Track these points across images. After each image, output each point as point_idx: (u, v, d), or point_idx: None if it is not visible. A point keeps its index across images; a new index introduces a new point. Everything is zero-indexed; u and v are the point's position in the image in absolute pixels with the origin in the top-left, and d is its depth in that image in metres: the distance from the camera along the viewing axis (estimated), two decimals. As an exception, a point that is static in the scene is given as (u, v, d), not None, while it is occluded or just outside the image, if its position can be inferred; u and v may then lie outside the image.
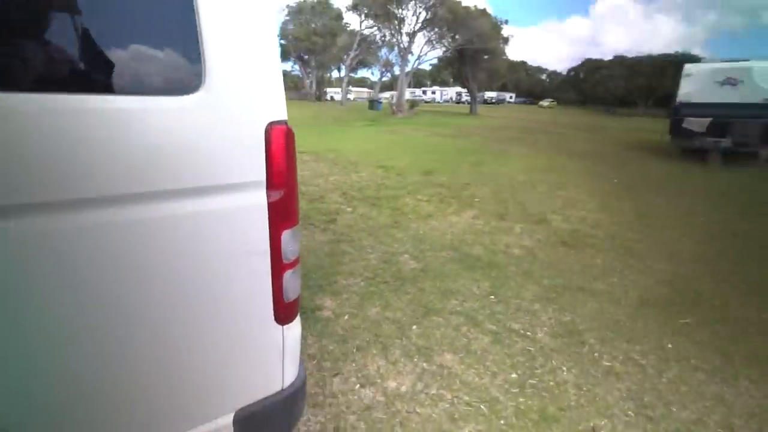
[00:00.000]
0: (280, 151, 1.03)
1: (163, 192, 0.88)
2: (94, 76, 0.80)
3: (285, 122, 1.05)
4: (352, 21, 51.36)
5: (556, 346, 2.53)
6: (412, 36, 29.62)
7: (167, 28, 0.85)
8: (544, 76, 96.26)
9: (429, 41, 30.82)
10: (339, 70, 55.20)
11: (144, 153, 0.84)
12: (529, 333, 2.65)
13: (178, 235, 0.92)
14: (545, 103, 65.28)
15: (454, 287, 3.24)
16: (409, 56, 30.86)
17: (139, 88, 0.85)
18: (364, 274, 3.40)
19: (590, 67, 68.00)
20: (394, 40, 31.40)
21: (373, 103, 33.57)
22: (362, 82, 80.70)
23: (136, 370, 0.93)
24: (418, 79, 74.79)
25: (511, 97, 75.35)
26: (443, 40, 31.20)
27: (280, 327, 1.16)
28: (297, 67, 52.56)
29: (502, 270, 3.62)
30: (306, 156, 9.32)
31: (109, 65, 0.79)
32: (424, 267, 3.60)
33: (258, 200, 1.03)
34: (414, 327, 2.65)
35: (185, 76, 0.87)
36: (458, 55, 31.69)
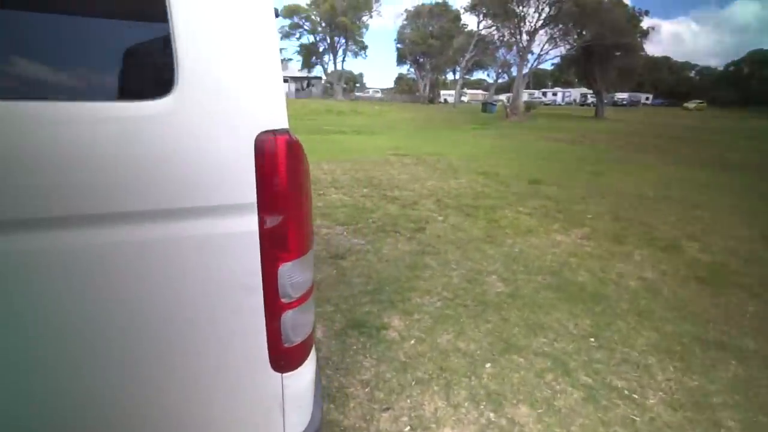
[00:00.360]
0: (278, 168, 0.84)
1: (128, 214, 0.76)
2: (43, 79, 0.71)
3: (286, 131, 0.86)
4: (470, 22, 50.30)
5: (674, 420, 1.95)
6: (532, 34, 27.82)
7: (130, 16, 0.71)
8: (692, 73, 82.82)
9: (551, 39, 28.63)
10: (454, 72, 54.59)
11: (103, 168, 0.72)
12: (636, 395, 2.10)
13: (146, 264, 0.79)
14: (691, 104, 55.67)
15: (545, 321, 2.77)
16: (528, 56, 29.06)
17: (97, 91, 0.73)
18: (443, 293, 3.11)
19: (759, 59, 56.41)
20: (513, 39, 29.84)
21: (487, 106, 32.42)
22: (478, 84, 78.68)
23: (94, 415, 0.84)
24: (539, 79, 70.27)
25: (647, 98, 66.21)
26: (568, 37, 28.70)
27: (279, 375, 0.99)
28: (413, 70, 53.32)
29: (610, 306, 3.01)
30: (407, 159, 9.26)
31: (61, 66, 0.69)
32: (514, 292, 3.17)
33: (247, 227, 0.86)
34: (488, 365, 2.29)
35: (154, 76, 0.74)
36: (584, 53, 28.83)
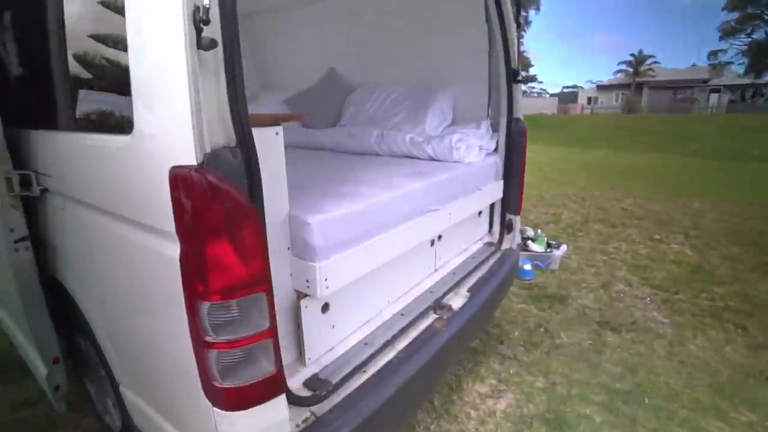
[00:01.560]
0: (186, 202, 0.84)
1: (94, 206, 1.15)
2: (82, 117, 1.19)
3: (198, 168, 0.83)
4: None
5: None
6: None
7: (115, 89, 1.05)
8: None
9: None
10: None
11: (100, 176, 1.12)
12: None
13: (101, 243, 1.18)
14: None
15: None
16: None
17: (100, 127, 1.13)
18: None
19: None
20: None
21: None
22: None
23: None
24: None
25: None
26: None
27: (209, 405, 0.95)
28: None
29: None
30: None
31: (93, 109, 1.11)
32: None
33: (171, 252, 0.90)
34: None
35: (126, 120, 0.97)
36: None
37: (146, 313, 1.09)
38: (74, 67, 1.19)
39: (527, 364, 2.42)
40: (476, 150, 2.28)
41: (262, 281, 0.91)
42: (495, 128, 2.49)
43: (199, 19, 0.78)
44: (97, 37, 1.08)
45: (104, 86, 1.12)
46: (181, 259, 0.87)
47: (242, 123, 0.88)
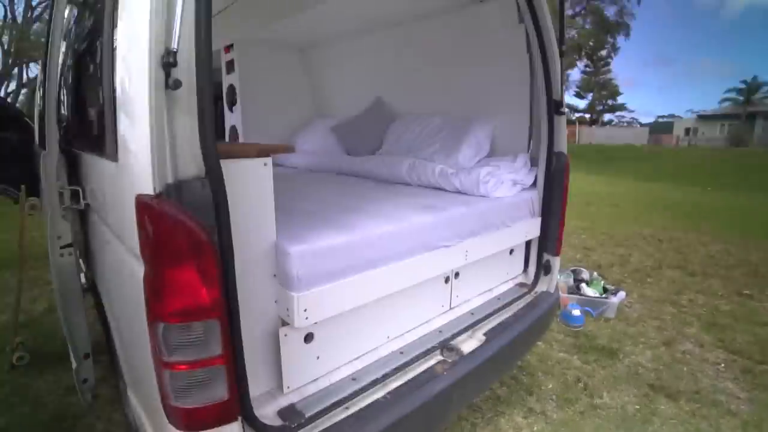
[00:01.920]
0: (145, 226, 0.91)
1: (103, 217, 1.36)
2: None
3: (152, 196, 0.89)
4: None
5: None
6: None
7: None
8: None
9: None
10: None
11: (103, 195, 1.33)
12: None
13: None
14: None
15: None
16: None
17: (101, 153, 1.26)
18: None
19: None
20: None
21: None
22: None
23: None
24: None
25: None
26: None
27: (167, 423, 0.98)
28: None
29: None
30: None
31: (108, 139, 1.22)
32: None
33: (140, 272, 0.95)
34: None
35: (115, 150, 1.12)
36: None
37: (133, 325, 1.16)
38: (90, 97, 1.37)
39: (556, 422, 2.18)
40: (508, 184, 2.17)
41: (216, 309, 0.93)
42: (535, 162, 2.35)
43: (167, 62, 0.85)
44: (108, 72, 1.23)
45: (108, 116, 1.25)
46: (143, 275, 0.94)
47: (209, 156, 0.92)
